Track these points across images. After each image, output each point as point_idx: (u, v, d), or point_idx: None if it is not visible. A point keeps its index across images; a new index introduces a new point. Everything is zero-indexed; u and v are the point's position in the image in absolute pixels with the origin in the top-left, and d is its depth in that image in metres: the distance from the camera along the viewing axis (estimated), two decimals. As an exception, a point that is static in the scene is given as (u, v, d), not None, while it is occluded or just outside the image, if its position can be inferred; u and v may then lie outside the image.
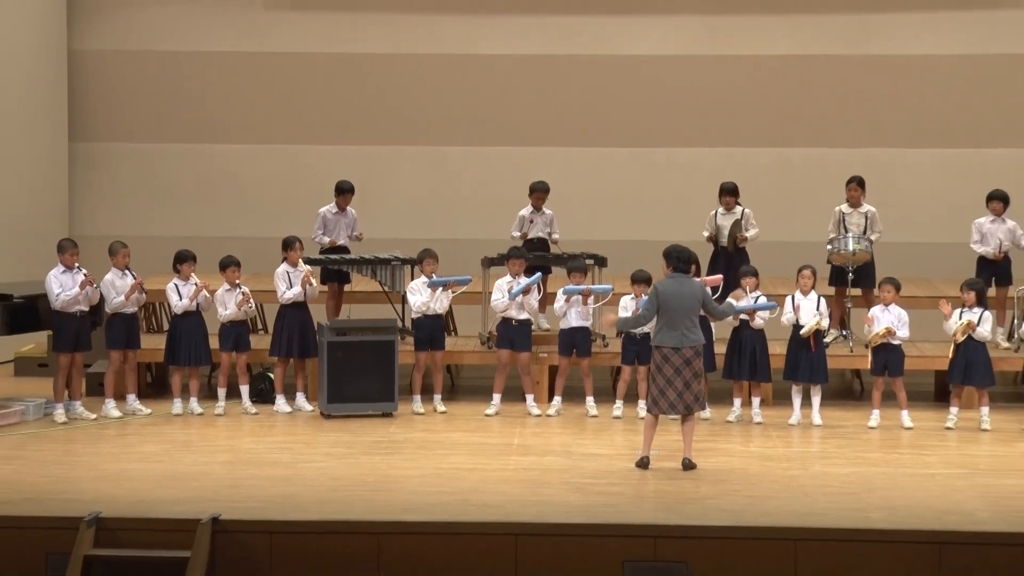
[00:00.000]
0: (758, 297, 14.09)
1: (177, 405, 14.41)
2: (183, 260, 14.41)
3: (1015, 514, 11.17)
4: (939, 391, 15.01)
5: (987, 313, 14.06)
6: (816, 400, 14.12)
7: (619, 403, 14.39)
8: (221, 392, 14.55)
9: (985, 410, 13.94)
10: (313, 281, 14.67)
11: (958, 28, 18.18)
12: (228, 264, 14.48)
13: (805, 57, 18.29)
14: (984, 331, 13.89)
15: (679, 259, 12.26)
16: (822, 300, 14.23)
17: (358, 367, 14.21)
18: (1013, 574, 10.45)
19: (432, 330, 14.57)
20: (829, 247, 15.20)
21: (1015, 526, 10.85)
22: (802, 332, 13.95)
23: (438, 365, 14.73)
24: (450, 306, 15.44)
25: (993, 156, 17.93)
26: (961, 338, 13.85)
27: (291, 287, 14.47)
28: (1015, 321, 15.09)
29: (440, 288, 14.49)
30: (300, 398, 14.58)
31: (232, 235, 16.81)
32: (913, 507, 11.34)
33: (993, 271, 15.21)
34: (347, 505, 11.26)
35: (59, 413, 14.03)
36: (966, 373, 13.93)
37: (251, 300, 14.75)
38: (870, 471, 12.51)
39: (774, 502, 11.44)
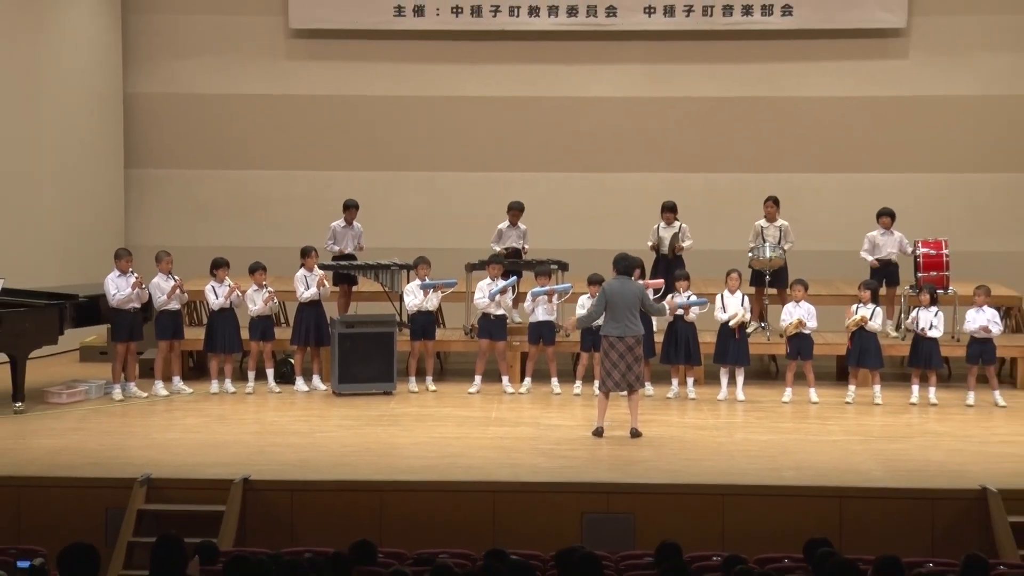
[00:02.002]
0: (690, 296, 14.13)
1: (214, 385, 14.35)
2: (218, 266, 14.39)
3: (902, 473, 11.24)
4: (839, 372, 15.03)
5: (878, 308, 14.14)
6: (739, 380, 14.14)
7: (579, 383, 14.38)
8: (251, 375, 14.50)
9: (877, 388, 13.97)
10: (326, 283, 14.67)
11: (853, 74, 18.20)
12: (256, 269, 14.46)
13: (729, 99, 18.30)
14: (875, 323, 13.96)
15: (626, 265, 12.37)
16: (745, 298, 14.28)
17: (363, 354, 14.19)
18: (901, 522, 10.51)
19: (425, 323, 14.54)
20: (750, 254, 15.22)
21: (902, 482, 10.93)
22: (731, 324, 13.98)
23: (429, 352, 14.71)
24: (439, 304, 15.45)
25: (883, 179, 17.96)
26: (854, 329, 13.91)
27: (308, 288, 14.44)
28: (901, 315, 15.13)
29: (431, 289, 14.48)
30: (316, 379, 14.53)
31: (259, 245, 16.72)
32: (819, 467, 11.40)
33: (884, 274, 15.26)
34: (355, 468, 11.27)
35: (116, 392, 13.98)
36: (861, 357, 13.98)
37: (275, 298, 14.73)
38: (783, 438, 12.55)
39: (705, 464, 11.48)
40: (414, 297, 14.48)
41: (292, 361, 14.72)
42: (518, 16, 18.03)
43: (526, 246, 15.66)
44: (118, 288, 13.77)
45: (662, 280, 14.44)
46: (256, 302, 14.39)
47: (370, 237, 16.02)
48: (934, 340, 13.87)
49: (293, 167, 18.52)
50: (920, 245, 15.17)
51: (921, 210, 17.21)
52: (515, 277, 14.85)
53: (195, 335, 14.84)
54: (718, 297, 14.17)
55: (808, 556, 8.43)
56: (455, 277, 14.95)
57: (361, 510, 10.54)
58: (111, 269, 13.95)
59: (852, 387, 14.07)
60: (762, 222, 15.36)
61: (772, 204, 15.40)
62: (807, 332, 14.00)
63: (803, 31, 18.00)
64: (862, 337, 13.93)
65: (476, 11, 18.03)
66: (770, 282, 15.13)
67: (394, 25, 18.14)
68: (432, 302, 14.57)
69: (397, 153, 18.50)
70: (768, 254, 15.06)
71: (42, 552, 8.15)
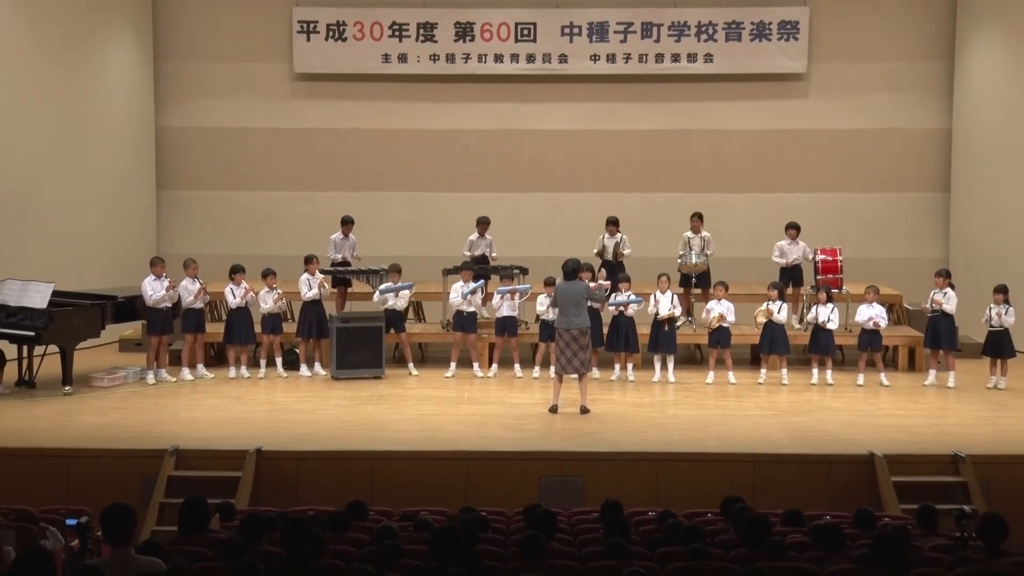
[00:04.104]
0: (630, 295, 14.17)
1: (232, 371, 14.30)
2: (236, 271, 14.33)
3: (805, 441, 11.31)
4: (753, 358, 15.11)
5: (784, 304, 14.22)
6: (670, 365, 14.19)
7: (537, 369, 14.41)
8: (262, 362, 14.46)
9: (784, 371, 14.06)
10: (326, 285, 14.63)
11: (762, 111, 18.28)
12: (267, 273, 14.40)
13: (661, 131, 18.35)
14: (781, 317, 14.04)
15: (569, 269, 12.39)
16: (675, 297, 14.32)
17: (357, 344, 14.16)
18: (803, 482, 10.58)
19: (394, 319, 14.46)
20: (679, 260, 15.28)
21: (805, 449, 11.00)
22: (658, 318, 14.05)
23: (404, 342, 14.70)
24: (419, 302, 15.49)
25: (788, 198, 18.06)
26: (763, 320, 13.99)
27: (311, 289, 14.40)
28: (803, 310, 15.22)
29: (392, 294, 14.40)
30: (317, 366, 14.48)
31: (269, 253, 16.65)
32: (736, 437, 11.46)
33: (790, 276, 15.35)
34: (350, 440, 11.25)
35: (150, 377, 13.92)
36: (771, 345, 14.07)
37: (283, 298, 14.67)
38: (707, 413, 12.61)
39: (642, 435, 11.52)
40: (381, 298, 14.47)
41: (297, 351, 14.66)
42: (485, 62, 18.07)
43: (493, 254, 15.67)
44: (154, 290, 13.73)
45: (609, 282, 14.48)
46: (267, 301, 14.35)
47: (361, 247, 15.97)
48: (830, 331, 13.97)
49: (297, 188, 18.46)
50: (819, 252, 15.29)
51: (820, 223, 17.31)
52: (483, 280, 14.86)
53: (216, 329, 14.78)
54: (652, 296, 14.23)
55: (726, 511, 8.48)
56: (433, 280, 14.94)
57: (355, 475, 10.52)
58: (146, 274, 13.89)
59: (763, 370, 14.15)
60: (689, 233, 15.41)
61: (697, 219, 15.46)
62: (726, 325, 14.08)
63: (722, 75, 18.08)
64: (771, 329, 14.02)
65: (450, 58, 18.05)
66: (696, 283, 15.21)
67: (381, 70, 18.14)
68: (400, 303, 14.51)
69: (384, 176, 18.47)
70: (694, 260, 15.13)
71: (87, 512, 8.09)
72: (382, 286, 14.49)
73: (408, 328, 15.22)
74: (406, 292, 14.55)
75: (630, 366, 14.27)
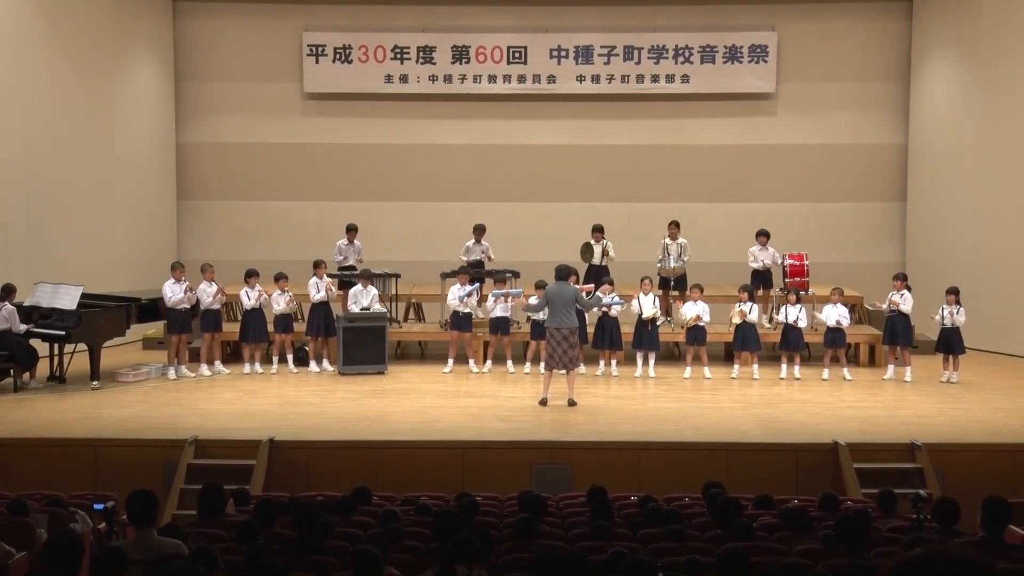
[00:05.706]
0: (614, 297, 14.16)
1: (247, 367, 14.26)
2: (250, 275, 14.29)
3: (774, 431, 11.32)
4: (727, 354, 15.11)
5: (755, 305, 14.22)
6: (651, 361, 14.19)
7: (528, 364, 14.39)
8: (275, 359, 14.44)
9: (755, 366, 14.06)
10: (333, 288, 14.61)
11: (735, 127, 18.32)
12: (279, 277, 14.37)
13: (642, 145, 18.38)
14: (753, 316, 14.04)
15: (562, 272, 12.37)
16: (655, 298, 14.32)
17: (362, 342, 14.13)
18: (773, 468, 10.57)
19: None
20: (658, 265, 15.29)
21: (774, 438, 11.01)
22: (643, 317, 14.04)
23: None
24: (419, 303, 15.43)
25: (758, 208, 18.07)
26: (738, 321, 13.98)
27: (319, 292, 14.38)
28: (773, 310, 15.24)
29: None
30: (325, 363, 14.46)
31: (281, 259, 16.60)
32: (711, 427, 11.46)
33: (760, 279, 15.36)
34: (356, 431, 11.23)
35: (171, 373, 13.88)
36: (743, 343, 14.07)
37: (294, 300, 14.64)
38: (684, 405, 12.60)
39: (625, 426, 11.52)
40: (355, 304, 14.43)
41: (307, 348, 14.65)
42: (480, 83, 18.08)
43: (491, 257, 15.66)
44: (173, 292, 13.70)
45: (592, 285, 14.47)
46: (279, 303, 14.32)
47: (365, 252, 15.96)
48: (800, 329, 13.98)
49: (307, 198, 18.45)
50: (787, 257, 15.28)
51: (787, 231, 17.34)
52: (478, 283, 14.85)
53: (232, 328, 14.75)
54: (636, 298, 14.21)
55: (706, 494, 8.48)
56: (430, 283, 14.87)
57: (360, 463, 10.50)
58: (168, 278, 13.86)
59: (736, 366, 14.15)
60: (667, 240, 15.41)
61: (675, 226, 15.46)
62: (702, 324, 14.08)
63: (697, 94, 18.11)
64: (744, 327, 14.02)
65: (447, 79, 18.06)
66: (674, 286, 15.21)
67: (384, 89, 18.14)
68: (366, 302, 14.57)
69: (387, 187, 18.46)
70: (672, 264, 15.14)
71: (114, 497, 8.06)
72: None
73: (408, 327, 15.13)
74: (367, 297, 14.47)
75: (614, 362, 14.27)
